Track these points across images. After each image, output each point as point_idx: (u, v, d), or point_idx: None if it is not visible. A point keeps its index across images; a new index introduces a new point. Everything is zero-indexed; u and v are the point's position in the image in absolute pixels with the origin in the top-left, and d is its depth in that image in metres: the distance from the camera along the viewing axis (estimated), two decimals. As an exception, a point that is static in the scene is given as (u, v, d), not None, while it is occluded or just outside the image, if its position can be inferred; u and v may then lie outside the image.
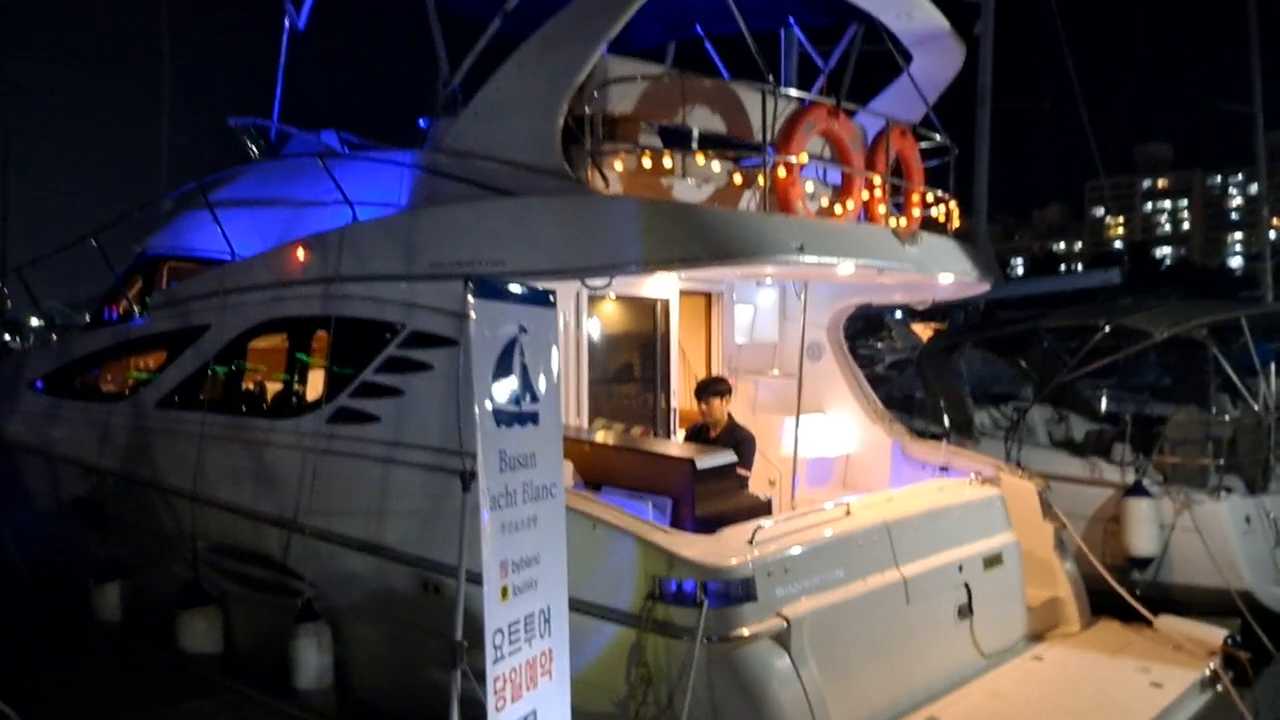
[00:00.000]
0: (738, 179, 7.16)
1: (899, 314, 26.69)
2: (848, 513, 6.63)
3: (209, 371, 8.30)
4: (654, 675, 5.63)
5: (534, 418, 4.42)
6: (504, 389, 4.21)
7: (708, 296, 9.43)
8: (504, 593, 4.24)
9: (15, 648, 7.63)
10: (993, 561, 7.50)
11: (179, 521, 8.28)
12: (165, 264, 9.85)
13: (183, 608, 7.86)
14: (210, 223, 8.82)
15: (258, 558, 7.73)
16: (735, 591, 5.64)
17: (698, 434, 8.03)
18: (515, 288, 4.40)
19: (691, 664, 5.40)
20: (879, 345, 26.58)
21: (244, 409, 8.22)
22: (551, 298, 4.68)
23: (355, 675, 7.22)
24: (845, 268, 6.93)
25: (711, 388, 7.93)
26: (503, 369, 4.21)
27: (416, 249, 6.99)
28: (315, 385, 7.68)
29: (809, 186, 6.93)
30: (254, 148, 9.30)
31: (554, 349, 4.60)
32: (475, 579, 6.20)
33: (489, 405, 4.11)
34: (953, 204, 8.37)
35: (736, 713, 5.53)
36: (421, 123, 7.64)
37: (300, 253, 7.64)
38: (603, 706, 5.83)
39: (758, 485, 9.44)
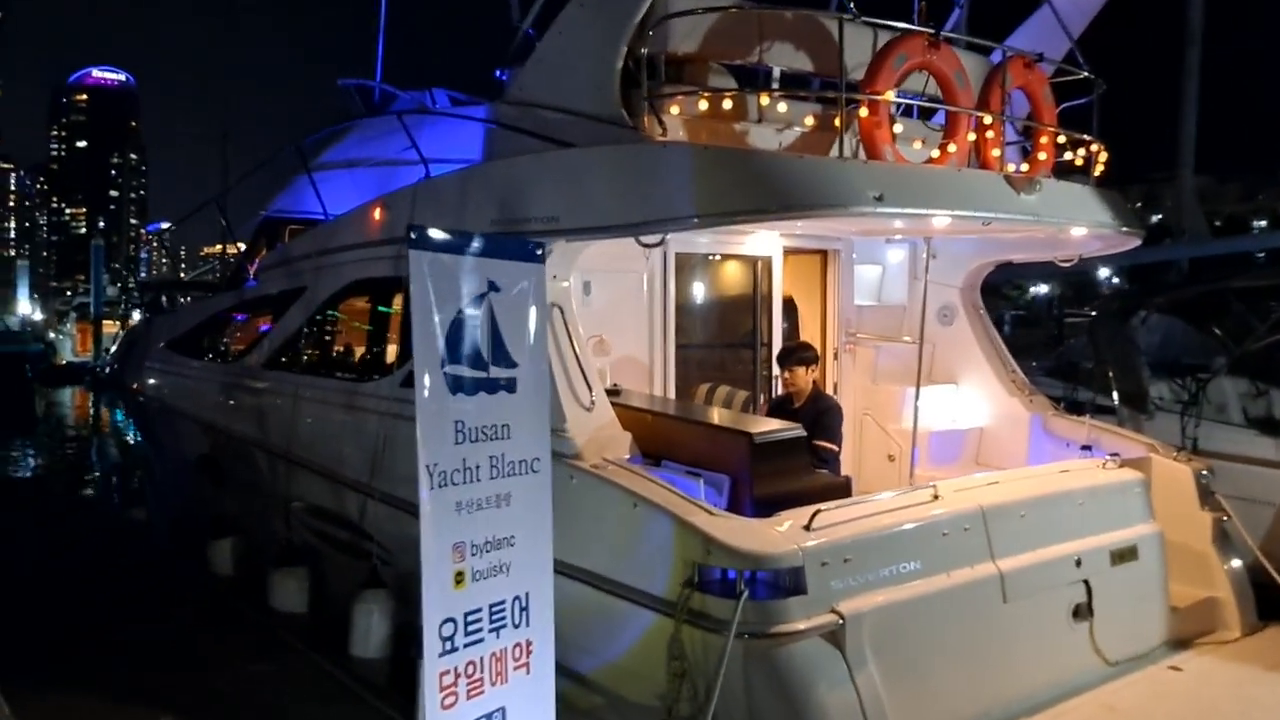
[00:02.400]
0: (816, 122, 6.39)
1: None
2: (935, 496, 5.87)
3: (303, 333, 8.32)
4: (691, 670, 5.13)
5: (509, 385, 3.98)
6: (462, 351, 3.78)
7: (822, 254, 8.69)
8: (458, 578, 3.83)
9: (115, 601, 7.89)
10: (1124, 555, 6.54)
11: (276, 481, 8.39)
12: (286, 226, 10.01)
13: (276, 566, 7.96)
14: (323, 182, 8.84)
15: (341, 520, 7.71)
16: (780, 582, 5.04)
17: (781, 405, 7.39)
18: (480, 240, 3.95)
19: (723, 661, 4.87)
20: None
21: (332, 371, 8.20)
22: (541, 251, 4.22)
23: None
24: (940, 220, 6.11)
25: (795, 355, 7.25)
26: (460, 329, 3.78)
27: (479, 206, 6.66)
28: (393, 348, 7.55)
29: (899, 128, 6.11)
30: (361, 108, 9.24)
31: (541, 308, 4.15)
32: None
33: (435, 370, 3.69)
34: (1096, 148, 7.29)
35: (777, 716, 4.96)
36: (498, 74, 7.30)
37: (377, 212, 7.49)
38: (643, 698, 5.39)
39: (874, 461, 8.75)
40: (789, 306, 9.99)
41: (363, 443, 7.41)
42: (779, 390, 8.31)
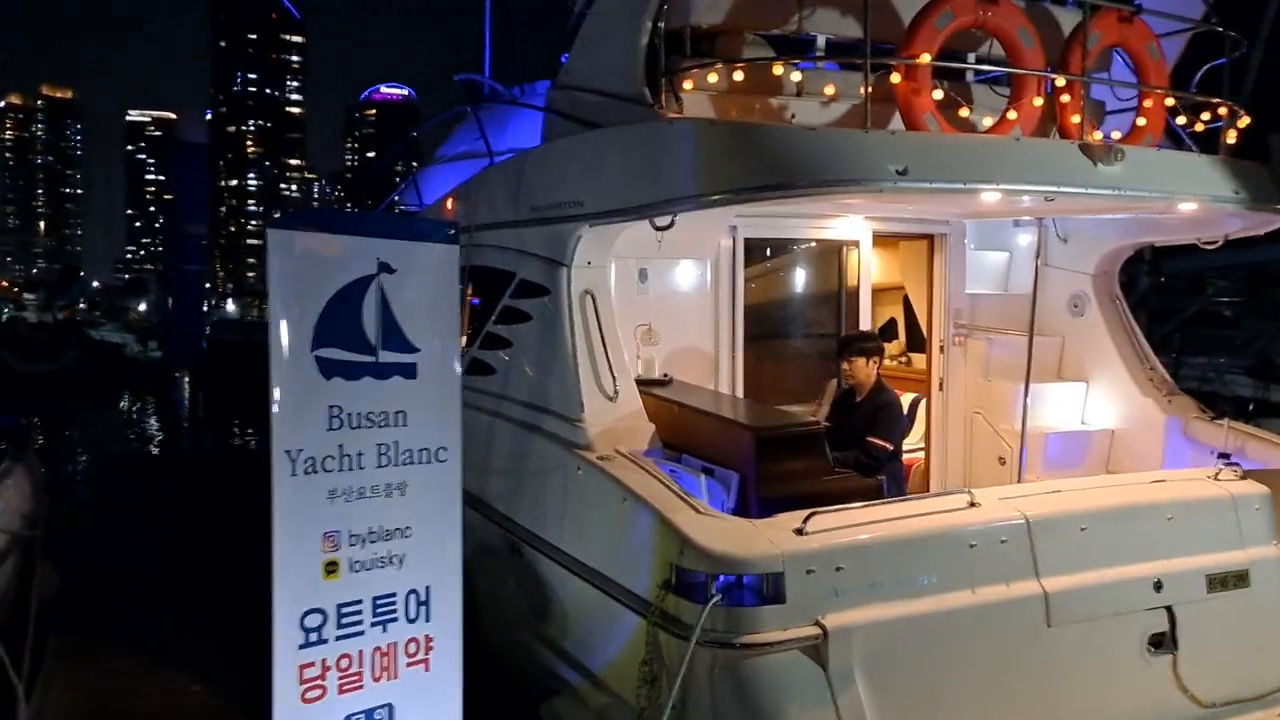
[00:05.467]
0: (846, 91, 5.86)
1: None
2: (971, 504, 5.25)
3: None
4: (660, 676, 4.85)
5: (406, 370, 3.88)
6: (341, 334, 3.71)
7: (929, 239, 8.02)
8: (330, 568, 3.75)
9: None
10: (1227, 581, 5.61)
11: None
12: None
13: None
14: (435, 176, 9.11)
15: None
16: (756, 588, 4.67)
17: (844, 400, 6.87)
18: (366, 219, 3.85)
19: (682, 668, 4.56)
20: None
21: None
22: (451, 231, 4.07)
23: (481, 626, 7.12)
24: (989, 196, 5.47)
25: (853, 345, 6.70)
26: (341, 311, 3.70)
27: (522, 193, 6.63)
28: (464, 336, 7.64)
29: (938, 94, 5.50)
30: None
31: (450, 291, 4.01)
32: (549, 549, 5.91)
33: (301, 353, 3.62)
34: (1225, 110, 6.32)
35: (741, 734, 4.59)
36: (563, 58, 7.23)
37: (449, 203, 7.60)
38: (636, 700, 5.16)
39: (985, 464, 8.03)
40: (888, 297, 9.35)
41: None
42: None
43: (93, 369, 46.21)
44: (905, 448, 8.82)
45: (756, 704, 4.56)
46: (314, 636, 3.74)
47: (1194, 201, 5.97)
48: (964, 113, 5.66)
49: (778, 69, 5.66)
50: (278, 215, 3.62)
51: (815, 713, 4.55)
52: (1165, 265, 17.30)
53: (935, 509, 5.21)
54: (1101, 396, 7.91)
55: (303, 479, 3.68)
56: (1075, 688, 5.16)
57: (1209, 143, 6.68)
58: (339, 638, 3.80)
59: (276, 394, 3.59)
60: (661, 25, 5.64)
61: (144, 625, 7.11)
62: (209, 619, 7.19)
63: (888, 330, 10.43)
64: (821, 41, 6.11)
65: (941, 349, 8.06)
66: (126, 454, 24.03)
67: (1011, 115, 5.64)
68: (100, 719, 5.67)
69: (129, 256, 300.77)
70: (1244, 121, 6.57)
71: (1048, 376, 8.13)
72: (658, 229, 5.66)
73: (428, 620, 4.02)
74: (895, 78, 5.40)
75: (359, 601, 3.85)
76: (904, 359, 9.83)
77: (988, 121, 5.99)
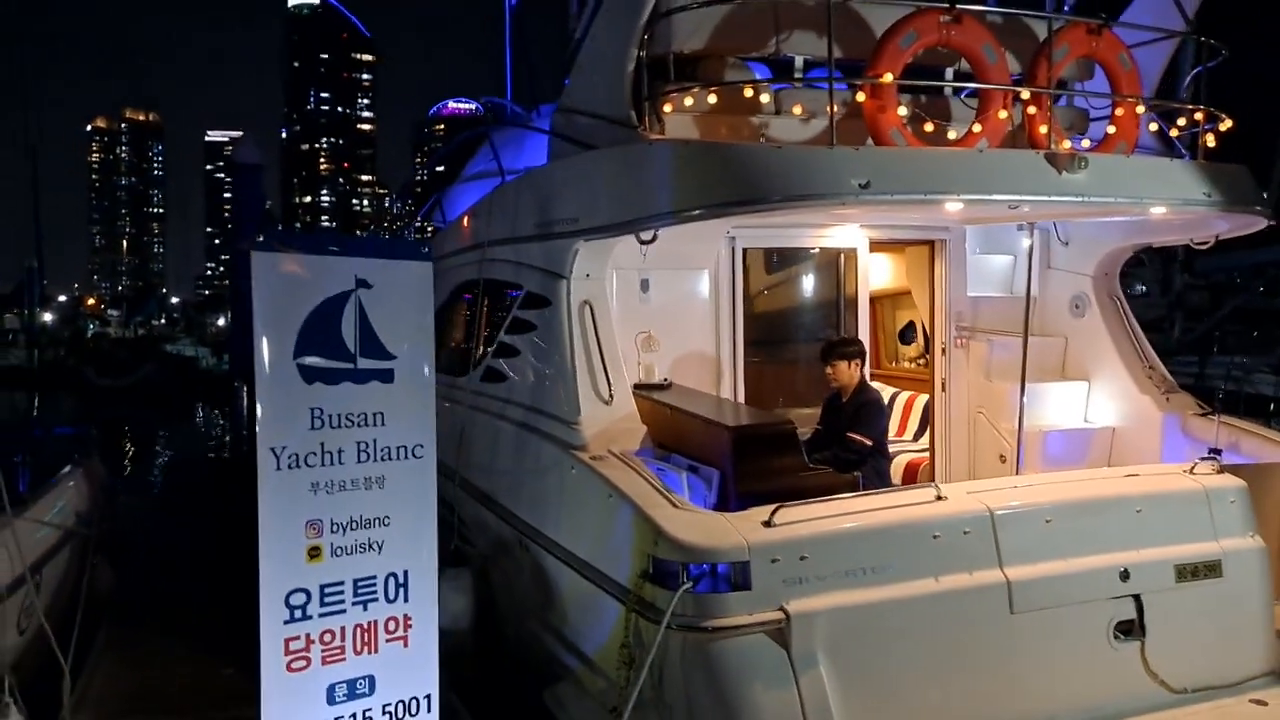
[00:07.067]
0: (845, 109, 6.18)
1: None
2: (939, 497, 5.54)
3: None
4: (637, 658, 5.22)
5: (383, 375, 4.32)
6: (321, 343, 4.17)
7: (930, 245, 8.28)
8: (313, 552, 4.21)
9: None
10: (1198, 571, 5.80)
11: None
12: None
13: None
14: (457, 195, 9.62)
15: (445, 503, 8.36)
16: (722, 576, 5.02)
17: (831, 402, 7.17)
18: (344, 241, 4.30)
19: (651, 649, 4.94)
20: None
21: (444, 368, 8.89)
22: (425, 249, 4.52)
23: (499, 619, 7.55)
24: (953, 205, 5.76)
25: (835, 350, 7.01)
26: (320, 324, 4.16)
27: (526, 210, 7.07)
28: (481, 346, 8.10)
29: (903, 110, 5.80)
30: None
31: (424, 304, 4.45)
32: (548, 544, 6.32)
33: (284, 361, 4.08)
34: (1199, 115, 6.51)
35: (709, 711, 4.93)
36: (565, 82, 7.66)
37: (466, 220, 8.07)
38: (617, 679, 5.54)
39: (987, 461, 8.25)
40: (907, 300, 9.59)
41: (452, 431, 8.02)
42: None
43: (167, 382, 48.05)
44: (914, 448, 9.11)
45: (723, 682, 4.90)
46: (298, 613, 4.22)
47: (1163, 205, 6.17)
48: (928, 127, 5.94)
49: (749, 91, 6.02)
50: (260, 239, 4.10)
51: (778, 692, 4.88)
52: (1199, 264, 17.08)
53: (902, 502, 5.52)
54: (1102, 395, 8.08)
55: (286, 473, 4.15)
56: (1039, 671, 5.41)
57: (1224, 151, 6.82)
58: (322, 614, 4.26)
59: (261, 397, 4.07)
60: (641, 52, 6.04)
61: (188, 614, 7.69)
62: (246, 608, 7.75)
63: (907, 333, 10.67)
64: (800, 62, 6.45)
65: (943, 351, 8.30)
66: (189, 459, 25.11)
67: (976, 128, 5.91)
68: (139, 698, 6.24)
69: (208, 273, 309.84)
70: (1225, 125, 6.74)
71: (1051, 376, 8.33)
72: (642, 243, 6.05)
73: (406, 601, 4.46)
74: (860, 96, 5.72)
75: (341, 583, 4.30)
76: (922, 361, 10.05)
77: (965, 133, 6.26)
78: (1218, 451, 6.81)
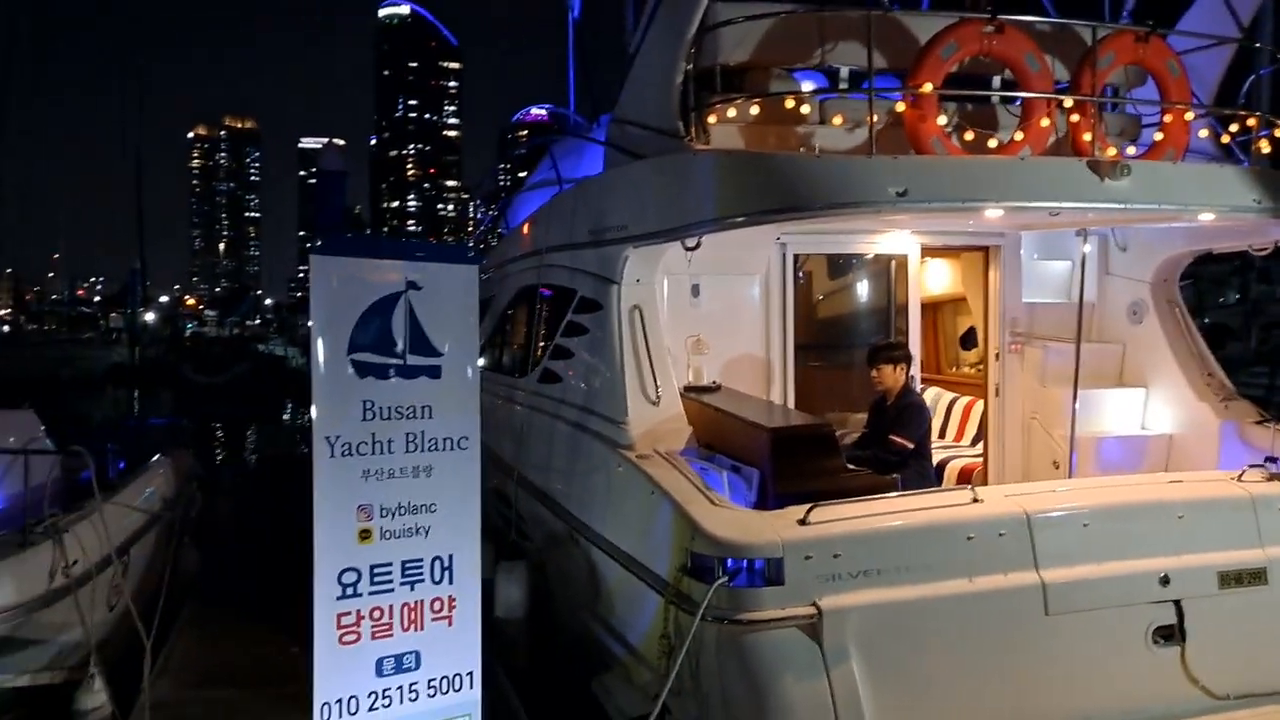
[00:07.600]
0: (889, 118, 6.31)
1: None
2: (975, 499, 5.64)
3: (489, 335, 9.43)
4: (675, 648, 5.43)
5: (431, 371, 4.62)
6: (372, 341, 4.48)
7: (984, 251, 8.33)
8: (364, 534, 4.52)
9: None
10: (1243, 578, 5.79)
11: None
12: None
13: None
14: (520, 202, 9.97)
15: (504, 499, 8.67)
16: (756, 571, 5.21)
17: (878, 405, 7.28)
18: (397, 245, 4.60)
19: (686, 640, 5.15)
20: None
21: (505, 369, 9.22)
22: (470, 254, 4.81)
23: (554, 611, 7.83)
24: (992, 213, 5.86)
25: (881, 354, 7.12)
26: (372, 323, 4.48)
27: (580, 218, 7.34)
28: (539, 348, 8.40)
29: (942, 119, 5.90)
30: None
31: (470, 304, 4.75)
32: (596, 538, 6.57)
33: (339, 358, 4.41)
34: (1251, 121, 6.48)
35: (742, 701, 5.12)
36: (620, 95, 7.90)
37: (526, 227, 8.38)
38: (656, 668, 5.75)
39: (1040, 468, 8.26)
40: (967, 306, 9.61)
41: (512, 429, 8.34)
42: None
43: (258, 379, 49.88)
44: (970, 453, 9.14)
45: (755, 673, 5.09)
46: (350, 591, 4.55)
47: (1210, 212, 6.17)
48: (969, 135, 6.04)
49: (789, 102, 6.20)
50: (318, 243, 4.44)
51: (809, 684, 5.05)
52: (1276, 271, 16.55)
53: (937, 504, 5.63)
54: (1160, 402, 8.04)
55: (339, 460, 4.49)
56: (1074, 672, 5.47)
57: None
58: (372, 593, 4.59)
59: (316, 390, 4.41)
60: (688, 65, 6.26)
61: (263, 595, 8.12)
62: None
63: (969, 339, 10.68)
64: (845, 72, 6.60)
65: (997, 356, 8.33)
66: (276, 453, 26.00)
67: (1019, 136, 6.00)
68: (213, 672, 6.69)
69: (300, 275, 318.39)
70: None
71: (1109, 383, 8.30)
72: (688, 249, 6.27)
73: (451, 583, 4.77)
74: (899, 106, 5.86)
75: (389, 564, 4.63)
76: (983, 366, 10.06)
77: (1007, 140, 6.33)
78: (1274, 459, 6.76)
